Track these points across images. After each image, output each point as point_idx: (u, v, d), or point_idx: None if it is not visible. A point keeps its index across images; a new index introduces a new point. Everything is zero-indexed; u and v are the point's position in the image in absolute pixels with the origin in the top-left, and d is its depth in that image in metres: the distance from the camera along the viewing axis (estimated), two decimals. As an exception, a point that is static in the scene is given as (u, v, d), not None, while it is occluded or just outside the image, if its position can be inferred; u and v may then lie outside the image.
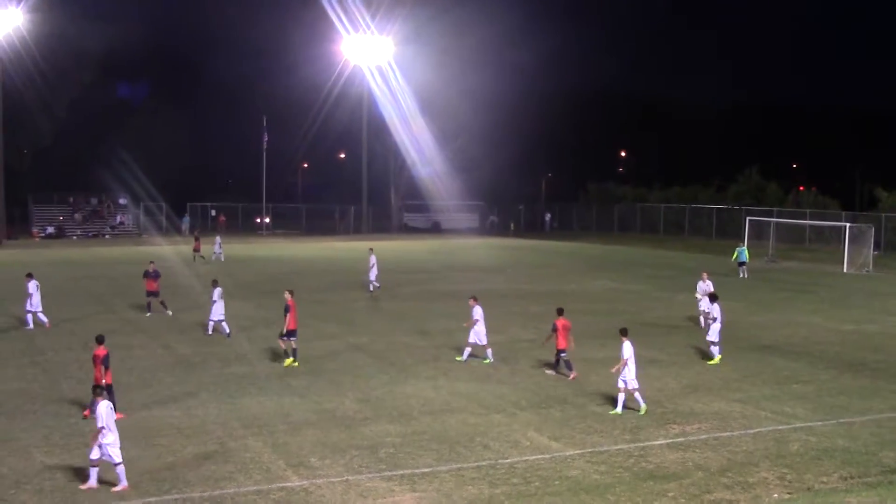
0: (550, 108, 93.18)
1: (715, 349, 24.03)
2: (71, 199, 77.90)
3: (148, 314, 30.66)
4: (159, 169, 77.48)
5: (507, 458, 15.79)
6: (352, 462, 15.49)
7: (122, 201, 78.96)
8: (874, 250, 51.51)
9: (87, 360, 23.27)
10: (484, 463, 15.55)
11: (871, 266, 48.97)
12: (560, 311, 22.58)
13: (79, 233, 73.11)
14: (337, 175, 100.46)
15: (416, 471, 15.11)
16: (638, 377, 18.83)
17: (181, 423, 17.66)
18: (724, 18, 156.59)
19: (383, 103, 78.91)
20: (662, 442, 16.84)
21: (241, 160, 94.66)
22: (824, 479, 14.95)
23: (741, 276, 44.16)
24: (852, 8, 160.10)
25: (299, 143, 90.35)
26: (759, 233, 57.01)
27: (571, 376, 21.82)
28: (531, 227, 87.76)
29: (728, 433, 17.43)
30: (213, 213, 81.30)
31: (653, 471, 15.28)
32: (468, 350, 23.52)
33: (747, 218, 57.42)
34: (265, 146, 77.79)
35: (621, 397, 18.71)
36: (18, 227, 71.52)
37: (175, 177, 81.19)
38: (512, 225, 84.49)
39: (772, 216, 60.95)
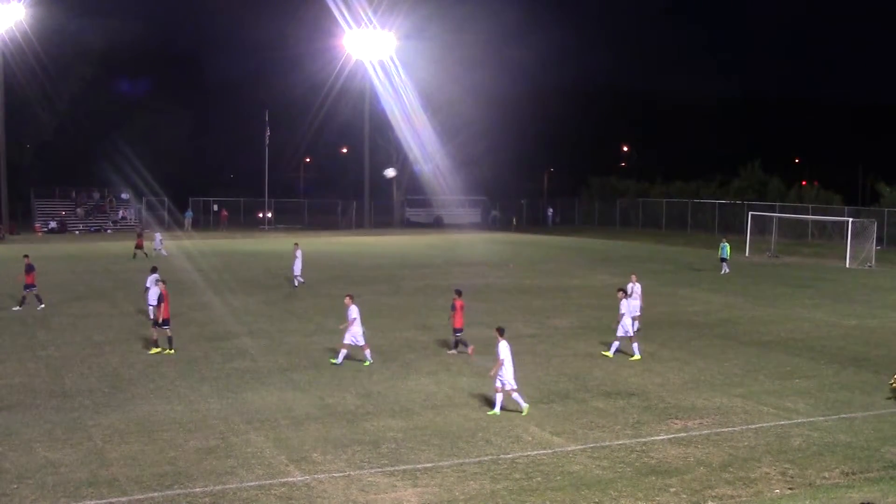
0: (553, 103, 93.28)
1: (636, 346, 23.90)
2: (73, 194, 77.97)
3: (17, 308, 30.24)
4: (161, 164, 77.58)
5: (508, 454, 15.80)
6: (354, 457, 15.50)
7: (124, 196, 79.01)
8: (877, 245, 51.46)
9: (89, 354, 23.36)
10: (486, 458, 15.56)
11: (873, 261, 48.91)
12: (458, 293, 24.27)
13: (81, 227, 73.14)
14: (339, 170, 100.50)
15: (418, 466, 15.13)
16: (516, 378, 18.21)
17: (183, 417, 17.69)
18: (727, 12, 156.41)
19: (385, 98, 78.90)
20: (664, 437, 16.85)
21: (243, 155, 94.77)
22: (826, 474, 14.96)
23: (722, 271, 43.89)
24: (856, 2, 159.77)
25: (301, 138, 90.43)
26: (761, 228, 56.95)
27: (469, 350, 23.47)
28: (533, 222, 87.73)
29: (730, 428, 17.43)
30: (216, 207, 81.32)
31: (654, 466, 15.28)
32: (343, 352, 22.47)
33: (749, 213, 57.37)
34: (267, 141, 77.75)
35: (499, 398, 18.21)
36: (21, 222, 71.57)
37: (177, 171, 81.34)
38: (514, 220, 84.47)
39: (774, 211, 60.88)
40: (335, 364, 22.31)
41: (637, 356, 23.60)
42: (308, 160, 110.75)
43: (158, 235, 52.61)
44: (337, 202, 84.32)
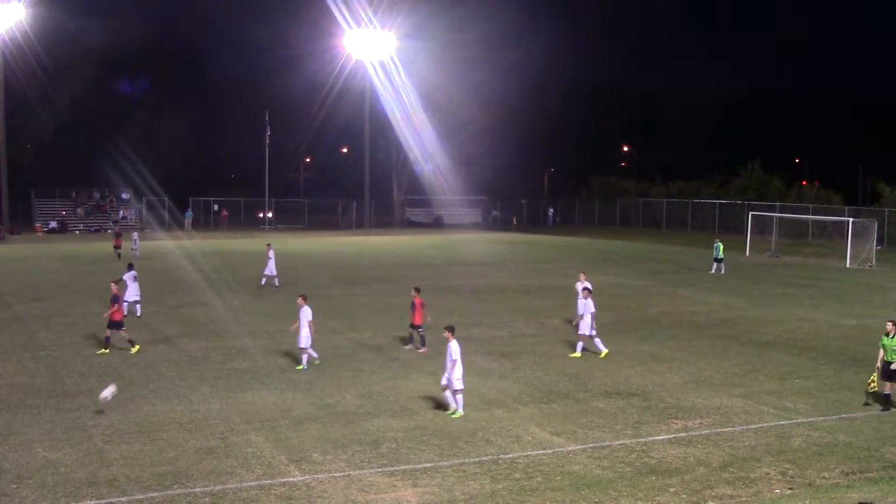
0: (552, 103, 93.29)
1: (600, 343, 23.92)
2: (73, 194, 77.99)
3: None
4: (162, 163, 77.60)
5: (508, 454, 15.80)
6: (354, 457, 15.50)
7: (124, 196, 79.06)
8: (877, 245, 51.49)
9: (89, 355, 23.36)
10: (486, 458, 15.56)
11: (873, 261, 48.92)
12: (417, 290, 24.68)
13: (81, 227, 73.15)
14: (339, 170, 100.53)
15: (418, 466, 15.12)
16: (464, 378, 17.97)
17: (183, 417, 17.68)
18: (727, 12, 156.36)
19: (385, 98, 78.93)
20: (664, 437, 16.84)
21: (243, 155, 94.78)
22: (826, 474, 14.95)
23: (712, 271, 43.75)
24: (856, 2, 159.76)
25: (302, 138, 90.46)
26: (761, 228, 56.96)
27: (422, 350, 23.76)
28: (533, 222, 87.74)
29: (730, 428, 17.42)
30: (216, 207, 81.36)
31: (654, 466, 15.28)
32: (305, 356, 22.09)
33: (750, 213, 57.36)
34: (267, 141, 77.79)
35: (449, 395, 18.01)
36: (21, 222, 71.58)
37: (177, 171, 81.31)
38: (514, 220, 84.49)
39: (774, 211, 60.86)
40: (300, 370, 21.76)
41: (577, 354, 23.77)
42: (308, 160, 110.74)
43: (135, 235, 52.23)
44: (337, 202, 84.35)
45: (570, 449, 16.11)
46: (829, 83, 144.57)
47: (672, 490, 14.14)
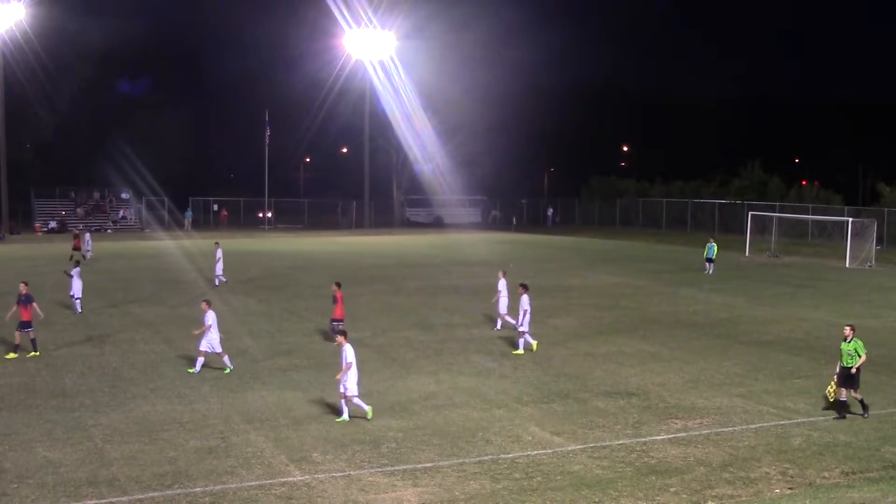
0: (552, 103, 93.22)
1: (529, 338, 24.34)
2: (73, 194, 77.96)
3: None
4: (162, 163, 77.56)
5: (508, 453, 15.80)
6: (354, 457, 15.50)
7: (124, 196, 79.05)
8: (877, 245, 51.47)
9: (89, 354, 23.35)
10: (486, 458, 15.56)
11: (873, 261, 48.92)
12: (338, 284, 25.19)
13: (81, 227, 73.10)
14: (339, 170, 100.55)
15: (418, 466, 15.13)
16: (360, 382, 17.77)
17: (183, 417, 17.69)
18: (726, 12, 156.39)
19: (385, 98, 78.90)
20: (664, 437, 16.84)
21: (243, 155, 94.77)
22: (826, 474, 14.96)
23: (706, 271, 43.69)
24: (856, 2, 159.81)
25: (301, 138, 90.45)
26: (761, 228, 56.96)
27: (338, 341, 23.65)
28: (533, 222, 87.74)
29: (730, 428, 17.43)
30: (216, 207, 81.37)
31: (655, 466, 15.28)
32: (201, 360, 21.46)
33: (749, 213, 57.37)
34: (267, 141, 77.77)
35: (344, 403, 17.70)
36: (21, 221, 71.57)
37: (177, 171, 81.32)
38: (514, 219, 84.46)
39: (774, 211, 60.86)
40: (192, 373, 21.21)
41: (520, 350, 24.10)
42: (308, 160, 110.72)
43: (87, 235, 51.45)
44: (337, 202, 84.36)
45: (570, 449, 16.12)
46: (829, 83, 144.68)
47: (672, 490, 14.14)
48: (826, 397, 18.73)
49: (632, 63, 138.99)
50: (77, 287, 29.80)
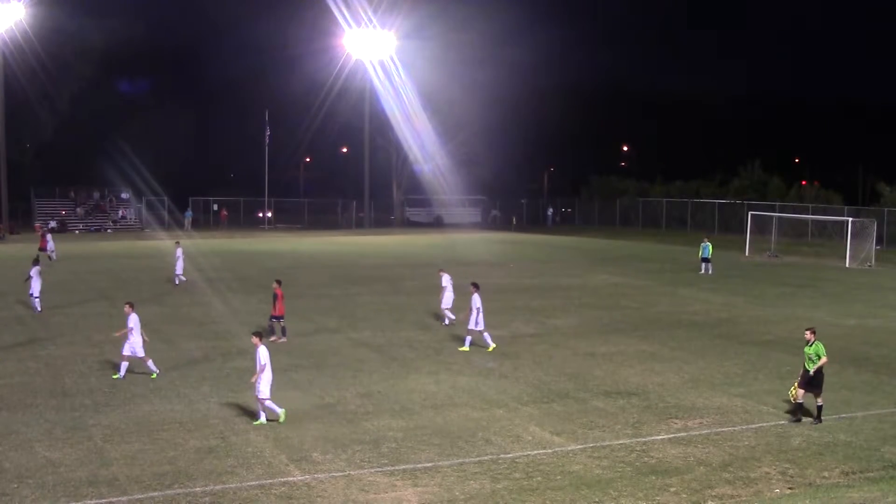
0: (552, 103, 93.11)
1: (487, 336, 24.26)
2: (73, 194, 77.94)
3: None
4: (161, 163, 77.58)
5: (508, 453, 15.80)
6: (354, 457, 15.50)
7: (124, 196, 79.02)
8: (877, 245, 51.45)
9: (88, 354, 23.35)
10: (486, 458, 15.56)
11: (873, 261, 48.91)
12: (279, 282, 25.67)
13: (81, 227, 73.13)
14: (339, 169, 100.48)
15: (418, 465, 15.12)
16: (273, 383, 17.42)
17: (183, 417, 17.69)
18: (726, 12, 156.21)
19: (385, 98, 78.92)
20: (664, 437, 16.84)
21: (243, 154, 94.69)
22: (826, 473, 14.95)
23: (702, 272, 43.57)
24: (856, 1, 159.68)
25: (301, 138, 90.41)
26: (761, 227, 56.95)
27: (281, 340, 24.89)
28: (533, 222, 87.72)
29: (730, 428, 17.42)
30: (216, 207, 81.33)
31: (654, 465, 15.28)
32: (125, 365, 20.82)
33: (749, 213, 57.36)
34: (267, 140, 77.77)
35: (263, 403, 17.35)
36: (21, 221, 71.55)
37: (177, 171, 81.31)
38: (514, 219, 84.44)
39: (774, 211, 60.86)
40: (117, 378, 20.63)
41: (492, 346, 24.16)
42: (308, 160, 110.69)
43: (49, 236, 50.40)
44: (337, 202, 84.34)
45: (570, 449, 16.11)
46: (829, 83, 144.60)
47: (672, 490, 14.14)
48: (789, 400, 18.55)
49: (632, 63, 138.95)
50: (36, 286, 29.72)
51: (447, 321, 28.20)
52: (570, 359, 23.54)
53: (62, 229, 70.77)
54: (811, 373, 17.88)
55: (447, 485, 14.26)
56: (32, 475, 14.40)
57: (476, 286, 24.52)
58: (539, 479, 14.58)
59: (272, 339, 24.80)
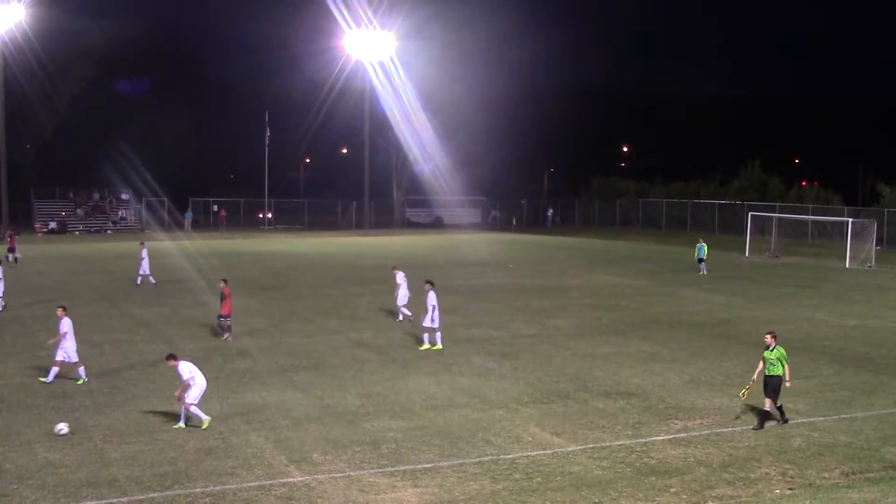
0: (552, 104, 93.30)
1: (437, 335, 24.46)
2: (73, 194, 77.94)
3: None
4: (161, 164, 77.50)
5: (508, 454, 15.80)
6: (354, 457, 15.50)
7: (124, 196, 78.99)
8: (877, 245, 51.42)
9: (89, 354, 23.33)
10: (486, 458, 15.55)
11: (873, 261, 48.90)
12: (225, 281, 26.13)
13: (81, 228, 73.12)
14: (339, 170, 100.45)
15: (418, 466, 15.12)
16: (200, 398, 17.20)
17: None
18: (726, 13, 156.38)
19: (385, 99, 78.85)
20: (664, 437, 16.84)
21: (243, 155, 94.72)
22: (826, 474, 14.95)
23: (701, 272, 43.61)
24: (856, 2, 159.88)
25: (301, 139, 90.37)
26: (761, 228, 56.95)
27: (226, 337, 25.26)
28: (533, 222, 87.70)
29: (730, 428, 17.42)
30: (216, 208, 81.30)
31: (655, 466, 15.28)
32: (55, 370, 20.12)
33: (749, 213, 57.35)
34: (267, 141, 77.75)
35: (183, 411, 17.03)
36: (21, 222, 71.51)
37: (177, 172, 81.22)
38: (514, 220, 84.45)
39: (774, 211, 60.85)
40: (44, 382, 20.02)
41: (439, 346, 24.36)
42: (308, 160, 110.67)
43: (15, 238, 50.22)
44: (337, 202, 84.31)
45: (570, 449, 16.11)
46: (830, 83, 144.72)
47: (672, 490, 14.14)
48: (741, 396, 18.28)
49: (632, 63, 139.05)
50: None
51: (401, 317, 28.68)
52: (570, 359, 23.53)
53: (62, 230, 70.81)
54: (787, 384, 17.53)
55: (447, 485, 14.26)
56: (33, 476, 14.40)
57: (431, 284, 24.67)
58: (539, 479, 14.58)
59: (224, 337, 25.39)
